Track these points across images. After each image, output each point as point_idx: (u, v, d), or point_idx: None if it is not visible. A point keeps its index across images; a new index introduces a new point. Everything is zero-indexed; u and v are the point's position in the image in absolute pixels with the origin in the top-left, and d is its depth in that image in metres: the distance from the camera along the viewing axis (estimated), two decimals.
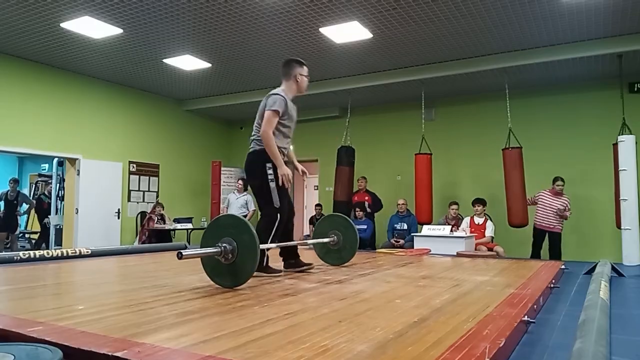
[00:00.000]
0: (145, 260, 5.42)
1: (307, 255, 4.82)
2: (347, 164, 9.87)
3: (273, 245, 3.93)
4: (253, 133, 4.18)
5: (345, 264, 4.97)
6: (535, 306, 2.87)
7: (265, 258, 4.05)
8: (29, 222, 14.28)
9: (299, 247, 4.52)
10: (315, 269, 4.51)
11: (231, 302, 2.79)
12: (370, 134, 11.15)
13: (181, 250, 3.14)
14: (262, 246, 3.48)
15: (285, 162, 4.16)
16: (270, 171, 4.01)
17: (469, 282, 3.77)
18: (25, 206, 11.36)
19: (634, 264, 6.43)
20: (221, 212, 10.61)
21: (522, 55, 8.00)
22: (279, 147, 4.06)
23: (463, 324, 2.26)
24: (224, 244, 3.24)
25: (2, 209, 10.77)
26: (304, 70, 4.32)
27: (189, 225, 10.60)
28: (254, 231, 3.26)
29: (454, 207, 8.68)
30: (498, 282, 3.78)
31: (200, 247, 3.32)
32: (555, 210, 7.85)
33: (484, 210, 8.29)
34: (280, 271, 4.12)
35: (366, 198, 9.72)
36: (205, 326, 2.21)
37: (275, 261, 4.39)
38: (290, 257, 4.46)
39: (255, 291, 3.21)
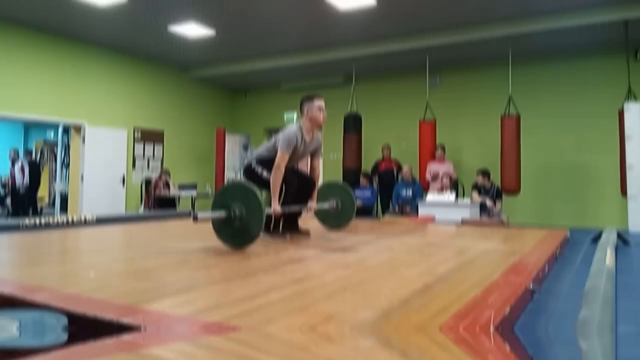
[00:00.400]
0: (150, 228, 5.44)
1: (311, 223, 4.82)
2: (354, 131, 9.82)
3: (278, 208, 3.98)
4: (257, 149, 4.39)
5: (350, 231, 4.97)
6: (540, 274, 2.86)
7: (273, 222, 4.15)
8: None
9: (303, 214, 4.57)
10: (319, 236, 4.52)
11: (235, 270, 2.80)
12: (374, 101, 11.06)
13: (197, 214, 3.44)
14: (268, 210, 3.71)
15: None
16: (257, 167, 4.17)
17: (473, 249, 3.76)
18: None
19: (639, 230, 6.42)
20: None
21: (526, 21, 7.88)
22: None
23: (468, 291, 2.25)
24: (234, 208, 3.45)
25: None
26: (314, 104, 4.22)
27: (194, 192, 10.61)
28: (259, 196, 3.48)
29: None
30: (503, 250, 3.77)
31: (212, 210, 3.57)
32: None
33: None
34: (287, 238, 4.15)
35: (393, 165, 9.66)
36: (210, 293, 2.22)
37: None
38: (290, 223, 4.51)
39: (260, 258, 3.21)
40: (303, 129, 4.21)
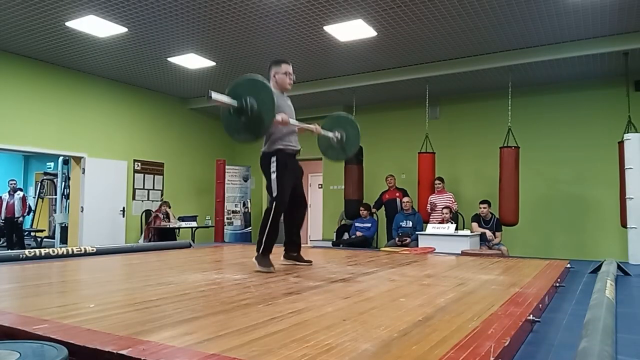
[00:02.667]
0: (150, 259, 5.43)
1: (311, 254, 4.82)
2: (356, 162, 9.85)
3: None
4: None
5: (350, 262, 4.97)
6: (540, 305, 2.86)
7: (264, 246, 4.19)
8: (34, 221, 14.37)
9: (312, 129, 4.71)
10: (319, 267, 4.53)
11: (235, 301, 2.79)
12: (374, 132, 11.13)
13: (211, 92, 3.64)
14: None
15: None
16: (273, 163, 4.20)
17: (473, 280, 3.76)
18: None
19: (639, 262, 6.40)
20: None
21: (526, 53, 7.97)
22: (284, 145, 4.25)
23: (468, 322, 2.25)
24: (246, 99, 3.71)
25: None
26: (282, 67, 4.37)
27: (194, 224, 10.61)
28: (271, 89, 3.79)
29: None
30: (503, 281, 3.77)
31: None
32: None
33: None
34: (271, 269, 4.14)
35: (397, 195, 9.67)
36: (210, 324, 2.22)
37: (276, 256, 4.42)
38: (292, 250, 4.64)
39: (259, 289, 3.21)
40: (274, 90, 4.27)
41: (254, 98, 3.73)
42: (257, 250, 4.18)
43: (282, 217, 4.26)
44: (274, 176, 4.15)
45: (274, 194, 4.14)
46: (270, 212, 4.12)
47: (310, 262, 4.63)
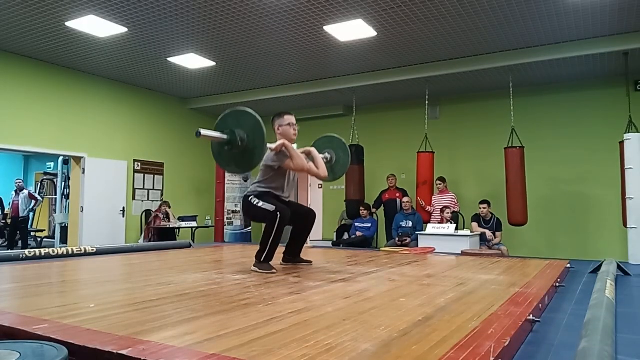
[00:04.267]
0: (150, 259, 5.43)
1: (311, 254, 4.82)
2: (357, 162, 9.84)
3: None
4: (253, 183, 4.45)
5: (350, 262, 4.98)
6: (540, 305, 2.86)
7: (265, 255, 4.16)
8: (34, 221, 14.37)
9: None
10: (319, 267, 4.53)
11: (235, 301, 2.79)
12: (374, 132, 11.14)
13: (200, 130, 3.61)
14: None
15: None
16: (253, 199, 4.21)
17: (473, 280, 3.76)
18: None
19: (639, 262, 6.40)
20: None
21: (526, 53, 7.97)
22: (280, 192, 4.33)
23: (468, 322, 2.25)
24: (237, 132, 3.71)
25: None
26: (285, 119, 4.35)
27: (194, 224, 10.61)
28: (261, 121, 3.76)
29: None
30: (503, 281, 3.77)
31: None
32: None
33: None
34: (272, 271, 4.13)
35: (397, 195, 9.66)
36: (210, 324, 2.22)
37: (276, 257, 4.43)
38: (293, 255, 4.66)
39: (259, 289, 3.21)
40: None
41: (242, 130, 3.74)
42: (258, 259, 4.15)
43: (283, 228, 4.20)
44: (260, 204, 4.14)
45: (272, 210, 4.07)
46: (275, 223, 4.06)
47: (310, 262, 4.63)
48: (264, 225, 4.17)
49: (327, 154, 5.07)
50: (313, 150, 4.58)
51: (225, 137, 3.72)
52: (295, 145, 4.36)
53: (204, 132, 3.59)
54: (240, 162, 3.82)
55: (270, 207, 4.09)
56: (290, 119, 4.34)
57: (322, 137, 5.27)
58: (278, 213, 4.06)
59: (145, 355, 1.68)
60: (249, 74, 9.57)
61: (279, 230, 4.09)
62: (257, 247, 4.20)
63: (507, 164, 8.45)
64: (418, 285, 3.49)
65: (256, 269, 4.11)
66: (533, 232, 9.26)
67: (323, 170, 4.47)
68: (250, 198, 4.22)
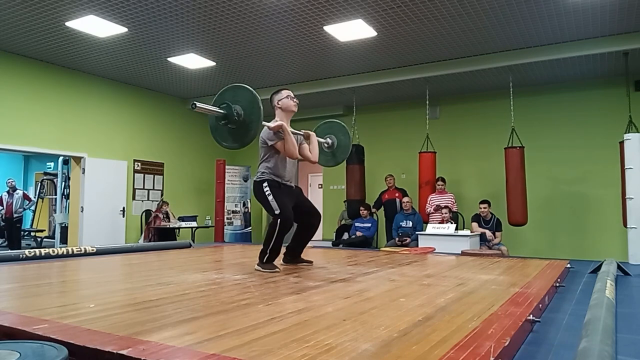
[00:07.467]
0: (150, 259, 5.43)
1: (311, 254, 4.83)
2: (357, 162, 9.84)
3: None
4: (260, 165, 4.43)
5: (350, 262, 4.98)
6: (540, 305, 2.86)
7: (268, 256, 4.19)
8: (34, 221, 14.37)
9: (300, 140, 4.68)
10: (319, 267, 4.53)
11: (235, 301, 2.79)
12: (374, 132, 11.14)
13: (195, 103, 3.64)
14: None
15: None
16: (266, 188, 4.21)
17: (473, 280, 3.76)
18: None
19: (639, 262, 6.40)
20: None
21: (526, 53, 7.97)
22: (277, 178, 4.30)
23: (468, 322, 2.25)
24: (234, 107, 3.76)
25: None
26: (282, 94, 4.40)
27: (194, 224, 10.61)
28: (258, 97, 3.76)
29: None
30: (503, 281, 3.77)
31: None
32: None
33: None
34: (276, 270, 4.15)
35: (397, 195, 9.66)
36: (210, 324, 2.22)
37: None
38: (294, 255, 4.68)
39: (259, 289, 3.21)
40: (278, 120, 4.32)
41: (239, 105, 3.77)
42: (261, 260, 4.20)
43: (285, 233, 4.23)
44: (270, 197, 4.17)
45: (276, 212, 4.13)
46: (275, 228, 4.11)
47: (310, 262, 4.65)
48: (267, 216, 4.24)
49: (328, 140, 5.09)
50: (313, 135, 4.61)
51: (220, 111, 3.77)
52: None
53: (199, 105, 3.61)
54: (236, 137, 3.85)
55: (276, 207, 4.13)
56: (288, 92, 4.40)
57: (322, 123, 5.28)
58: (280, 219, 4.10)
59: (145, 355, 1.68)
60: (249, 74, 9.57)
61: (280, 235, 4.13)
62: (258, 247, 4.24)
63: (507, 164, 8.45)
64: (418, 285, 3.49)
65: (259, 268, 4.16)
66: (533, 232, 9.26)
67: (315, 155, 4.51)
68: (263, 184, 4.24)
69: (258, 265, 4.20)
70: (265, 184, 4.23)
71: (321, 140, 4.98)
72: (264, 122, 3.94)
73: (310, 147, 4.53)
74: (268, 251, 4.16)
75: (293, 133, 4.32)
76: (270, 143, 4.23)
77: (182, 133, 11.76)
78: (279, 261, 4.41)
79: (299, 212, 4.34)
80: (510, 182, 8.40)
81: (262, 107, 3.74)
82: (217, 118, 3.87)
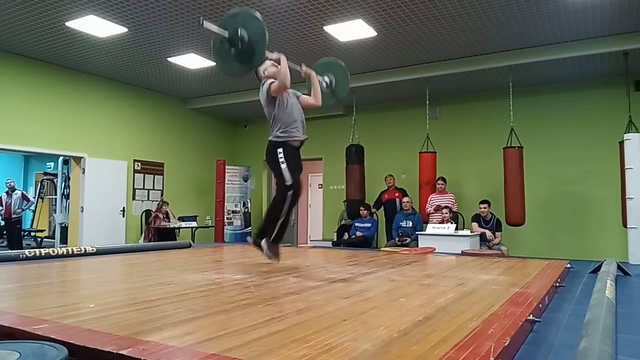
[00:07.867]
0: (150, 259, 5.43)
1: (311, 254, 4.82)
2: (357, 162, 9.83)
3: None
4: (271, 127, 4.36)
5: (350, 262, 4.97)
6: (540, 305, 2.86)
7: (276, 234, 4.19)
8: (34, 221, 14.37)
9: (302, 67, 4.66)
10: (319, 267, 4.52)
11: (235, 301, 2.79)
12: (374, 132, 11.13)
13: (203, 20, 3.68)
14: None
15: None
16: (281, 154, 4.17)
17: (473, 280, 3.76)
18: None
19: (639, 262, 6.40)
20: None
21: (526, 53, 7.96)
22: (290, 135, 4.23)
23: (468, 322, 2.26)
24: (239, 30, 3.75)
25: None
26: (265, 63, 4.36)
27: (194, 224, 10.61)
28: (265, 28, 3.76)
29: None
30: (503, 281, 3.77)
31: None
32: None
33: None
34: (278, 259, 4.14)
35: (397, 195, 9.65)
36: (210, 324, 2.22)
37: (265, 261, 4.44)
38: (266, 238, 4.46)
39: (259, 289, 3.21)
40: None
41: (245, 29, 3.76)
42: (269, 236, 4.14)
43: (294, 205, 4.20)
44: (283, 166, 4.14)
45: (288, 182, 4.10)
46: (286, 200, 4.08)
47: (278, 259, 4.40)
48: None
49: (326, 78, 5.04)
50: (313, 74, 4.56)
51: (225, 33, 3.78)
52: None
53: (206, 24, 3.64)
54: (237, 63, 3.90)
55: (288, 177, 4.11)
56: (268, 60, 4.33)
57: (318, 64, 5.20)
58: (291, 191, 4.09)
59: (145, 355, 1.68)
60: (249, 74, 9.52)
61: (290, 208, 4.12)
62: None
63: (505, 164, 8.45)
64: (418, 285, 3.49)
65: (265, 247, 4.12)
66: (533, 232, 9.26)
67: (318, 99, 4.49)
68: (278, 149, 4.20)
69: (260, 243, 4.14)
70: (280, 150, 4.19)
71: (319, 78, 4.90)
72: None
73: (313, 91, 4.49)
74: (277, 227, 4.13)
75: (291, 67, 4.30)
76: (270, 82, 4.21)
77: (182, 133, 11.76)
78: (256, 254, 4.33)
79: None
80: (508, 182, 8.40)
81: (267, 40, 3.78)
82: (221, 42, 3.89)
